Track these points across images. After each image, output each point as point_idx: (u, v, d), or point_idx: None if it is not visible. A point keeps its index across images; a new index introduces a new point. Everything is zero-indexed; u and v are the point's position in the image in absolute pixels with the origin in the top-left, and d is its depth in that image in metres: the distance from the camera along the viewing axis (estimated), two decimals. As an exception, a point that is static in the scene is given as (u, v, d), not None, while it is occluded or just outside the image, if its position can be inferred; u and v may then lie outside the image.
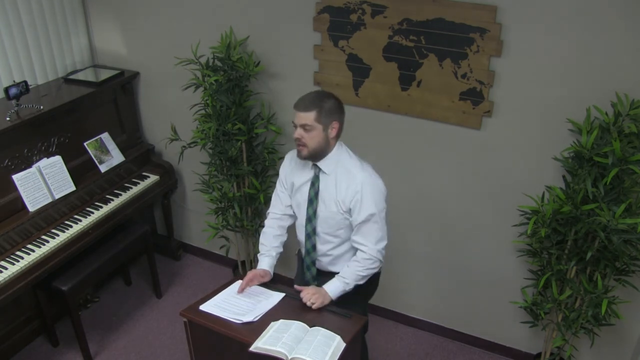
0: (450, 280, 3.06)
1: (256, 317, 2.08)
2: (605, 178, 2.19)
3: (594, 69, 2.28)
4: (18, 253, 2.69)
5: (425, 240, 3.01)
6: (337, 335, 1.97)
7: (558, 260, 2.49)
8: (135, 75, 3.43)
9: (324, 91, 2.24)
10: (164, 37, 3.21)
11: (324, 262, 2.33)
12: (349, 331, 2.03)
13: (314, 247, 2.29)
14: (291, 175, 2.29)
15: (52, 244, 2.78)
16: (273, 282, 2.33)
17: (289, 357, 1.87)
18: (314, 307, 2.12)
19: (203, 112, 3.02)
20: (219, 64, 2.89)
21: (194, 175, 3.44)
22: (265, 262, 2.32)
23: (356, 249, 2.21)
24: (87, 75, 3.32)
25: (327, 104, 2.08)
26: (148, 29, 3.26)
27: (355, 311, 2.17)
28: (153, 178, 3.42)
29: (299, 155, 2.16)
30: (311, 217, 2.23)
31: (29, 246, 2.74)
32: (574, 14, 2.23)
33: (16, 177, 2.77)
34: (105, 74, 3.31)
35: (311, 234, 2.27)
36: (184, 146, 3.13)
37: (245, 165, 3.05)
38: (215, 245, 3.54)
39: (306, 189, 2.23)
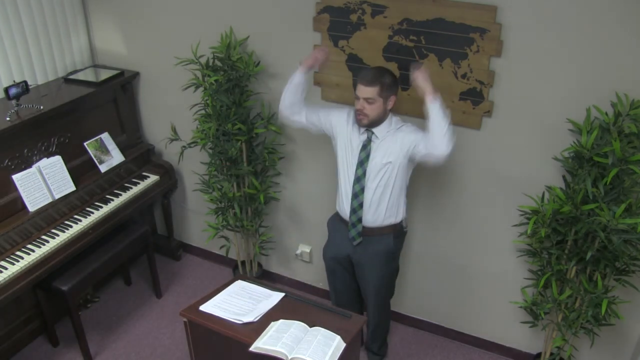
0: (450, 280, 3.06)
1: (256, 317, 2.08)
2: (605, 178, 2.19)
3: (594, 69, 2.28)
4: (18, 253, 2.69)
5: (425, 240, 3.01)
6: (337, 335, 1.98)
7: (558, 260, 2.49)
8: (135, 75, 3.42)
9: (383, 67, 2.45)
10: (164, 37, 3.21)
11: (368, 215, 2.49)
12: (349, 331, 2.03)
13: (360, 205, 2.48)
14: (345, 129, 2.50)
15: (52, 244, 2.78)
16: (273, 282, 2.33)
17: (289, 357, 1.88)
18: (421, 76, 2.27)
19: (203, 112, 3.02)
20: (219, 64, 2.89)
21: (194, 175, 3.44)
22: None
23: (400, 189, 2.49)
24: (87, 75, 3.32)
25: (387, 80, 2.33)
26: (148, 29, 3.26)
27: (394, 266, 2.67)
28: (153, 178, 3.42)
29: (359, 123, 2.41)
30: (360, 177, 2.44)
31: (29, 246, 2.74)
32: (574, 14, 2.23)
33: (16, 177, 2.77)
34: (105, 74, 3.31)
35: (359, 192, 2.46)
36: (184, 146, 3.13)
37: (245, 165, 3.05)
38: (215, 245, 3.54)
39: (357, 150, 2.44)
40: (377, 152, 2.41)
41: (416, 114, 2.70)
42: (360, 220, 2.51)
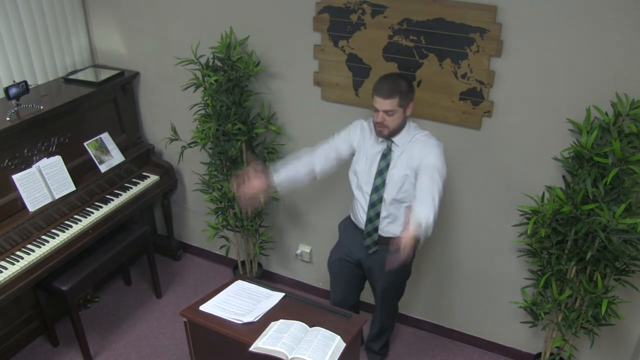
0: (450, 280, 3.06)
1: (256, 317, 2.08)
2: (605, 178, 2.19)
3: (594, 69, 2.28)
4: (18, 253, 2.69)
5: (425, 240, 3.00)
6: (337, 335, 1.98)
7: (558, 260, 2.49)
8: (135, 75, 3.43)
9: (396, 74, 2.38)
10: (164, 37, 3.22)
11: (383, 224, 2.43)
12: (349, 331, 2.03)
13: (377, 214, 2.41)
14: (363, 143, 2.43)
15: (52, 244, 2.78)
16: (273, 282, 2.33)
17: (289, 357, 1.87)
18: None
19: (203, 112, 3.02)
20: (219, 64, 2.89)
21: (194, 175, 3.44)
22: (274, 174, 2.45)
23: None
24: (87, 75, 3.32)
25: (404, 87, 2.24)
26: (148, 29, 3.26)
27: (406, 272, 2.60)
28: (153, 178, 3.42)
29: (380, 135, 2.33)
30: (379, 187, 2.37)
31: (29, 246, 2.74)
32: (574, 14, 2.23)
33: (16, 177, 2.77)
34: (105, 74, 3.31)
35: (376, 202, 2.39)
36: (184, 146, 3.13)
37: (245, 165, 3.05)
38: (215, 245, 3.54)
39: (376, 159, 2.36)
40: (397, 162, 2.33)
41: (416, 114, 2.70)
42: (376, 229, 2.44)
